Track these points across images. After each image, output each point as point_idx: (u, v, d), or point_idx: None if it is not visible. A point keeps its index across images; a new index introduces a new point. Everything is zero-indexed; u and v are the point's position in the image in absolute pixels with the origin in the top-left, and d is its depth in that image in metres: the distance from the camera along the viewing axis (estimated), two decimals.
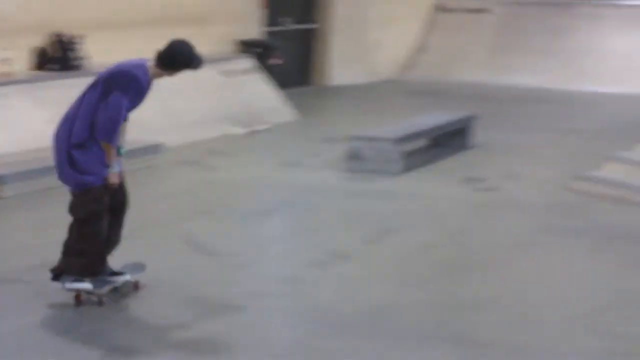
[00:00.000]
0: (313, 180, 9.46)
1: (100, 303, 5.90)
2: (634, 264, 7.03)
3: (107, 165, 5.76)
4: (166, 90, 11.46)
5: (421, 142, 10.79)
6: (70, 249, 5.87)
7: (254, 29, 14.42)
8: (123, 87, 5.65)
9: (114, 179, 5.80)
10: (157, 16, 12.38)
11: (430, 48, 17.92)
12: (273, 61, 13.94)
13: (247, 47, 13.83)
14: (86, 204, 5.75)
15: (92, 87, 5.77)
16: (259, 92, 12.94)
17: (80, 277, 5.85)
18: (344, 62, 16.56)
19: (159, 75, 5.86)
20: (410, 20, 17.97)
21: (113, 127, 5.66)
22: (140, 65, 5.78)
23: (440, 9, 18.35)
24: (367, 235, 7.62)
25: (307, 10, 16.25)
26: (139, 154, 9.49)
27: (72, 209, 5.84)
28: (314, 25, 16.34)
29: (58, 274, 5.90)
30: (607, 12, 17.03)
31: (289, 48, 15.27)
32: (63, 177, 5.80)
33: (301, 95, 14.92)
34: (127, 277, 6.07)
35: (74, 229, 5.86)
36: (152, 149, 10.04)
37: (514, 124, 12.79)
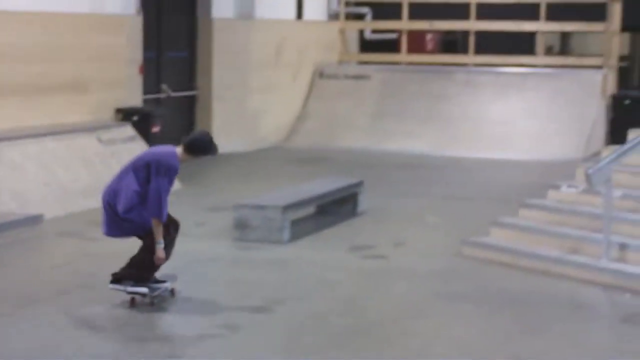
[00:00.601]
0: (200, 250, 9.24)
1: (151, 304, 7.29)
2: (527, 328, 7.03)
3: (157, 242, 7.22)
4: (47, 160, 11.15)
5: (309, 210, 10.70)
6: (134, 262, 7.42)
7: (134, 97, 14.20)
8: (164, 174, 7.18)
9: (160, 254, 7.25)
10: (33, 83, 12.07)
11: (313, 115, 17.99)
12: (153, 129, 13.74)
13: (127, 115, 13.61)
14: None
15: (132, 170, 7.23)
16: None
17: (137, 283, 7.35)
18: (226, 130, 16.44)
19: (185, 160, 7.42)
20: (293, 87, 18.02)
21: (160, 205, 7.14)
22: (174, 155, 7.33)
23: (322, 75, 18.47)
24: (257, 305, 7.43)
25: (187, 77, 16.13)
26: (16, 227, 9.14)
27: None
28: (194, 92, 16.21)
29: (119, 279, 7.41)
30: (485, 79, 17.42)
31: (171, 115, 15.08)
32: (126, 232, 7.41)
33: (184, 163, 14.64)
34: (168, 285, 7.53)
35: (142, 251, 7.37)
36: (31, 221, 9.68)
37: (398, 190, 12.85)
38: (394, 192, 12.65)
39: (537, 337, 6.85)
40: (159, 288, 7.47)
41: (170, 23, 15.60)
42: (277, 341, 6.70)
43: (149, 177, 7.18)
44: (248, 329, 6.89)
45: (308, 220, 10.58)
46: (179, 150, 7.34)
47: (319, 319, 7.16)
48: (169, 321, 7.19)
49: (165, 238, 7.31)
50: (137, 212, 7.23)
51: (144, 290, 7.35)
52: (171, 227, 7.46)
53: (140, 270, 7.39)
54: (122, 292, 7.37)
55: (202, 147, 7.45)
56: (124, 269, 7.47)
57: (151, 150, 7.61)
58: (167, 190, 7.23)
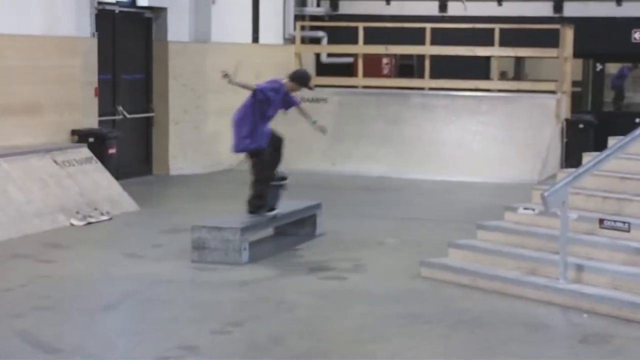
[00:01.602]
0: (157, 272, 9.16)
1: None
2: (486, 349, 7.04)
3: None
4: (1, 182, 11.01)
5: (267, 232, 10.66)
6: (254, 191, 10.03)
7: (90, 118, 14.10)
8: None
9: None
10: None
11: None
12: (109, 151, 13.65)
13: (83, 136, 13.53)
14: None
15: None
16: (96, 182, 12.58)
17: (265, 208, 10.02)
18: (183, 152, 16.39)
19: (292, 88, 10.13)
20: None
21: None
22: (274, 81, 10.28)
23: None
24: (216, 327, 7.38)
25: (143, 100, 16.06)
26: None
27: None
28: (151, 115, 16.14)
29: (254, 211, 9.95)
30: (441, 103, 17.53)
31: (127, 137, 15.00)
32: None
33: (141, 185, 14.62)
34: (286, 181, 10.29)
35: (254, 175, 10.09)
36: None
37: (357, 212, 12.85)
38: (352, 214, 12.66)
39: (496, 358, 6.86)
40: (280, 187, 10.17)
41: (126, 45, 15.54)
42: None
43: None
44: (206, 351, 6.84)
45: (267, 242, 10.55)
46: (284, 81, 10.04)
47: (278, 340, 7.11)
48: (127, 343, 7.10)
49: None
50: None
51: (273, 213, 10.07)
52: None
53: (261, 196, 9.89)
54: None
55: (303, 78, 10.16)
56: (252, 201, 9.94)
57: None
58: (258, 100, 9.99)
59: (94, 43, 14.21)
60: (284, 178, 10.39)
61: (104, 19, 14.72)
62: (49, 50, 13.32)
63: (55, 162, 12.20)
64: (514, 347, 7.07)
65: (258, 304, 8.12)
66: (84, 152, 12.88)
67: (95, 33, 14.25)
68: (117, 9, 15.28)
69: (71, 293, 8.40)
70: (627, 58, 20.32)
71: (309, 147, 17.58)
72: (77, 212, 11.67)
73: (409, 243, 10.77)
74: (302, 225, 10.97)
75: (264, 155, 10.04)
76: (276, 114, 10.17)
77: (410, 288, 8.74)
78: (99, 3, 14.50)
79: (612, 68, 20.75)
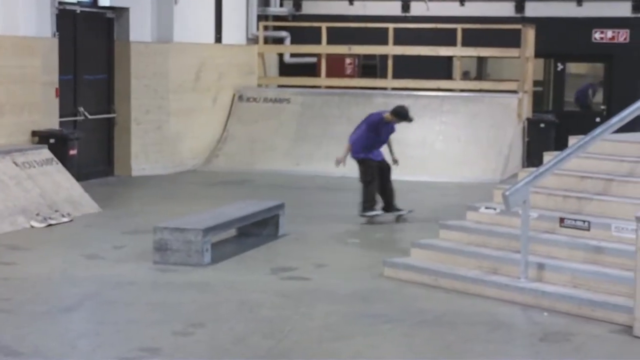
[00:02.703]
0: (118, 273, 9.11)
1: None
2: (448, 347, 7.07)
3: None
4: None
5: (230, 232, 10.64)
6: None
7: (51, 119, 13.99)
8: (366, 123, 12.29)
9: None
10: None
11: (234, 138, 17.94)
12: (71, 152, 13.55)
13: (43, 137, 13.42)
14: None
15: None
16: (57, 183, 12.49)
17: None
18: (145, 153, 16.32)
19: (390, 120, 12.29)
20: (212, 110, 17.95)
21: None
22: (377, 114, 12.43)
23: (241, 98, 18.45)
24: (178, 328, 7.35)
25: (105, 100, 15.97)
26: None
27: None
28: (113, 115, 16.05)
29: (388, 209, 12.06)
30: (405, 102, 17.51)
31: (89, 138, 14.90)
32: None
33: (103, 187, 14.55)
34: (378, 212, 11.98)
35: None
36: None
37: (320, 212, 12.86)
38: (315, 214, 12.66)
39: (457, 356, 6.90)
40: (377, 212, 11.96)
41: (88, 46, 15.45)
42: None
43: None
44: (168, 353, 6.81)
45: (229, 243, 10.52)
46: (386, 114, 12.22)
47: (241, 341, 7.10)
48: (88, 344, 7.05)
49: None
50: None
51: (377, 213, 11.96)
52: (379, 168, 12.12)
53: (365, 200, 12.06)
54: None
55: (402, 113, 12.24)
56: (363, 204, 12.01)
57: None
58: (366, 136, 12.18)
59: (54, 43, 14.11)
60: (398, 210, 12.27)
61: (65, 19, 14.62)
62: (8, 50, 13.20)
63: (15, 163, 12.09)
64: (475, 346, 7.11)
65: (220, 305, 8.10)
66: (45, 153, 12.78)
67: (56, 33, 14.15)
68: (78, 9, 15.18)
69: (31, 295, 8.33)
70: (587, 58, 20.49)
71: (272, 147, 17.59)
72: (38, 214, 11.58)
73: (372, 243, 10.79)
74: (265, 226, 10.96)
75: (369, 165, 12.19)
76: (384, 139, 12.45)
77: (373, 287, 8.76)
78: (60, 3, 14.41)
79: (574, 68, 20.91)
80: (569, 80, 20.67)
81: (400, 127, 17.52)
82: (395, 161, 12.46)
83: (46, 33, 13.95)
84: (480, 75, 21.10)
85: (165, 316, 7.72)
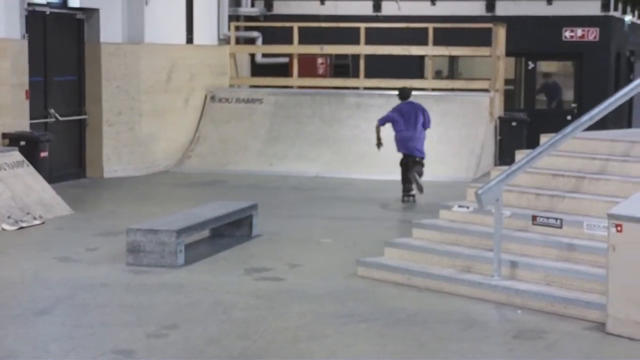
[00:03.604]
0: (91, 275, 9.07)
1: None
2: (422, 346, 7.09)
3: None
4: None
5: (203, 234, 10.61)
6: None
7: (21, 121, 13.90)
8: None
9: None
10: None
11: (206, 139, 17.90)
12: (42, 154, 13.48)
13: (14, 140, 13.34)
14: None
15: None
16: (28, 186, 12.40)
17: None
18: (117, 154, 16.24)
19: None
20: (184, 111, 17.90)
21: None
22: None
23: (214, 99, 18.41)
24: (151, 330, 7.32)
25: (76, 102, 15.89)
26: None
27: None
28: (84, 117, 15.97)
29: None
30: (376, 102, 17.59)
31: (60, 140, 14.82)
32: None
33: (75, 189, 14.47)
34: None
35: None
36: None
37: (293, 212, 12.86)
38: (288, 214, 12.66)
39: (432, 355, 6.91)
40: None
41: (58, 47, 15.36)
42: None
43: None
44: (143, 355, 6.78)
45: (202, 244, 10.50)
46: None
47: (215, 342, 7.08)
48: (61, 348, 7.01)
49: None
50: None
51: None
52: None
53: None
54: None
55: (407, 93, 14.10)
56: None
57: None
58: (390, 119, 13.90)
59: (24, 45, 14.02)
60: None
61: (34, 20, 14.53)
62: None
63: None
64: (449, 344, 7.12)
65: (194, 306, 8.07)
66: (15, 155, 12.69)
67: (26, 34, 14.06)
68: (48, 10, 15.09)
69: (3, 298, 8.27)
70: (558, 56, 20.61)
71: (245, 148, 17.57)
72: (9, 217, 11.50)
73: (345, 242, 10.80)
74: (239, 227, 10.94)
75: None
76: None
77: (346, 287, 8.76)
78: (29, 4, 14.32)
79: (544, 66, 21.02)
80: (539, 79, 20.81)
81: (373, 127, 17.58)
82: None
83: (15, 34, 13.86)
84: (452, 74, 21.17)
85: (139, 318, 7.69)
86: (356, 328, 7.51)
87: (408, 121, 13.74)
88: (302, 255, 10.11)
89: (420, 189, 13.53)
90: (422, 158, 13.73)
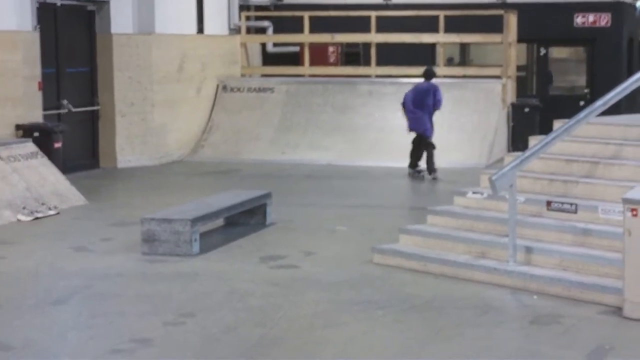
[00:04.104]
0: (107, 265, 9.09)
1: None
2: (438, 332, 7.09)
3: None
4: None
5: (218, 222, 10.63)
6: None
7: (34, 113, 13.94)
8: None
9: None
10: None
11: (219, 128, 17.92)
12: (55, 145, 13.51)
13: (27, 131, 13.38)
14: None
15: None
16: (43, 177, 12.44)
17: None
18: (130, 145, 16.28)
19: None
20: (197, 101, 17.91)
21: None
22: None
23: (225, 89, 18.42)
24: (168, 319, 7.34)
25: (89, 93, 15.92)
26: None
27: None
28: (96, 108, 16.00)
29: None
30: (388, 90, 17.58)
31: (73, 131, 14.85)
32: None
33: (89, 179, 14.51)
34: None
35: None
36: None
37: (307, 201, 12.86)
38: (302, 202, 12.66)
39: (448, 341, 6.92)
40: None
41: (70, 38, 15.38)
42: (188, 353, 6.61)
43: None
44: (160, 343, 6.81)
45: (217, 233, 10.52)
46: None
47: (232, 330, 7.10)
48: (79, 337, 7.04)
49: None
50: None
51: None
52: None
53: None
54: None
55: (429, 72, 14.86)
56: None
57: None
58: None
59: (36, 37, 14.05)
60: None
61: (45, 12, 14.56)
62: None
63: (0, 157, 12.04)
64: (465, 330, 7.13)
65: (210, 295, 8.09)
66: (29, 146, 12.73)
67: (37, 26, 14.08)
68: (59, 2, 15.12)
69: (20, 289, 8.31)
70: (570, 42, 20.55)
71: (257, 137, 17.58)
72: (24, 208, 11.54)
73: (360, 230, 10.80)
74: (253, 215, 10.95)
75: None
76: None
77: (362, 274, 8.77)
78: None
79: (556, 52, 20.96)
80: (552, 64, 20.75)
81: (385, 115, 17.57)
82: None
83: (27, 27, 13.88)
84: (464, 62, 21.12)
85: (155, 307, 7.72)
86: (373, 315, 7.52)
87: (416, 100, 14.61)
88: (316, 243, 10.12)
89: (430, 171, 14.38)
90: (428, 137, 14.52)
